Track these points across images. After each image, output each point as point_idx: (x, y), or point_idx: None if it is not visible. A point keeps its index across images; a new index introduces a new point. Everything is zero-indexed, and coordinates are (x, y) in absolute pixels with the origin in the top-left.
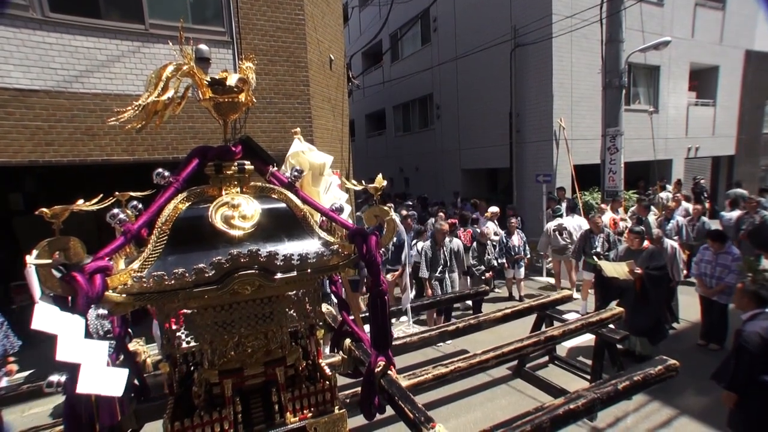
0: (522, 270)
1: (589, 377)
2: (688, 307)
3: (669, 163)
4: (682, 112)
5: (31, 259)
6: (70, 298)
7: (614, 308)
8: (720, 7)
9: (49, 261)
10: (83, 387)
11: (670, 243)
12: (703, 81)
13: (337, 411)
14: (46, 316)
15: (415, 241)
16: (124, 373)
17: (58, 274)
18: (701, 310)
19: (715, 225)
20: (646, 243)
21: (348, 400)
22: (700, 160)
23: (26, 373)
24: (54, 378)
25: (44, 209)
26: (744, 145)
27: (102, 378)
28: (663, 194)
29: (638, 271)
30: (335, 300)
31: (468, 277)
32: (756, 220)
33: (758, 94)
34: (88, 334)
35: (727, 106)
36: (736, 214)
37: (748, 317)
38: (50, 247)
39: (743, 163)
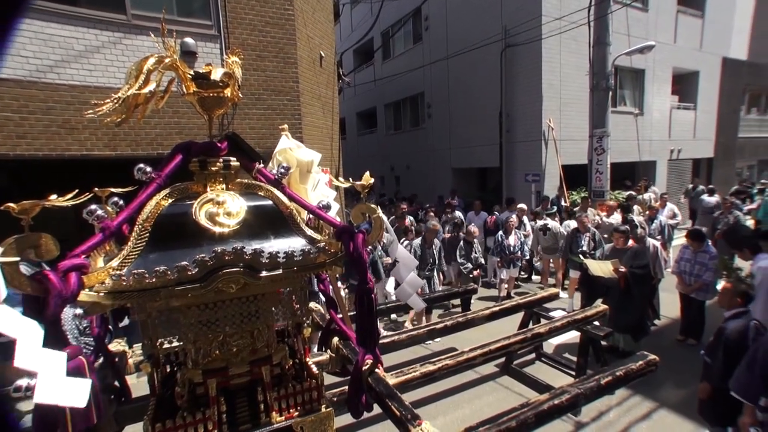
0: (517, 270)
1: (574, 373)
2: (669, 304)
3: (653, 164)
4: (666, 115)
5: None
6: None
7: (599, 306)
8: (699, 15)
9: (17, 259)
10: (40, 397)
11: (653, 242)
12: (684, 85)
13: (324, 410)
14: (6, 320)
15: (402, 240)
16: (87, 383)
17: (27, 272)
18: (681, 307)
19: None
20: (630, 242)
21: (335, 399)
22: (682, 162)
23: None
24: (22, 382)
25: (11, 204)
26: (721, 148)
27: (62, 389)
28: (647, 194)
29: (622, 269)
30: (323, 298)
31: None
32: (730, 221)
33: (734, 100)
34: (63, 335)
35: (706, 110)
36: (714, 199)
37: (730, 315)
38: (18, 244)
39: (721, 166)
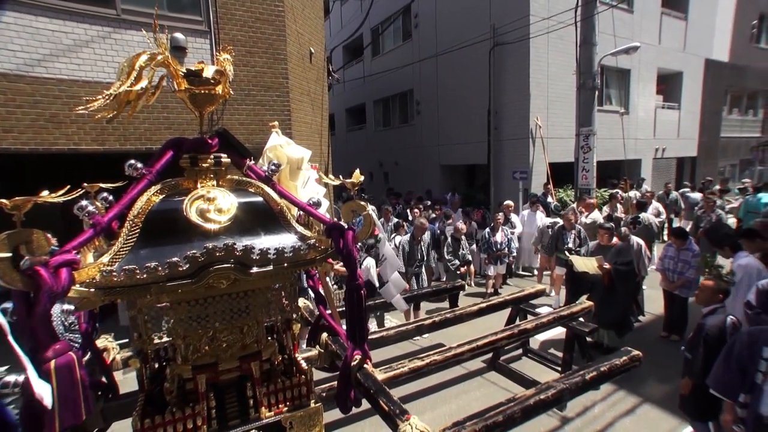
0: (504, 266)
1: (559, 369)
2: (653, 300)
3: (638, 162)
4: (651, 115)
5: None
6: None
7: (584, 302)
8: (683, 16)
9: (9, 255)
10: (36, 388)
11: (636, 240)
12: (669, 85)
13: (312, 405)
14: None
15: (393, 236)
16: (48, 388)
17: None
18: (664, 304)
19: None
20: (615, 239)
21: (324, 394)
22: (666, 160)
23: None
24: (10, 378)
25: (3, 200)
26: (704, 147)
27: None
28: (632, 192)
29: (607, 266)
30: (312, 294)
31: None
32: (712, 219)
33: (716, 100)
34: (53, 331)
35: (690, 110)
36: (698, 194)
37: (708, 311)
38: (9, 239)
39: (703, 165)
